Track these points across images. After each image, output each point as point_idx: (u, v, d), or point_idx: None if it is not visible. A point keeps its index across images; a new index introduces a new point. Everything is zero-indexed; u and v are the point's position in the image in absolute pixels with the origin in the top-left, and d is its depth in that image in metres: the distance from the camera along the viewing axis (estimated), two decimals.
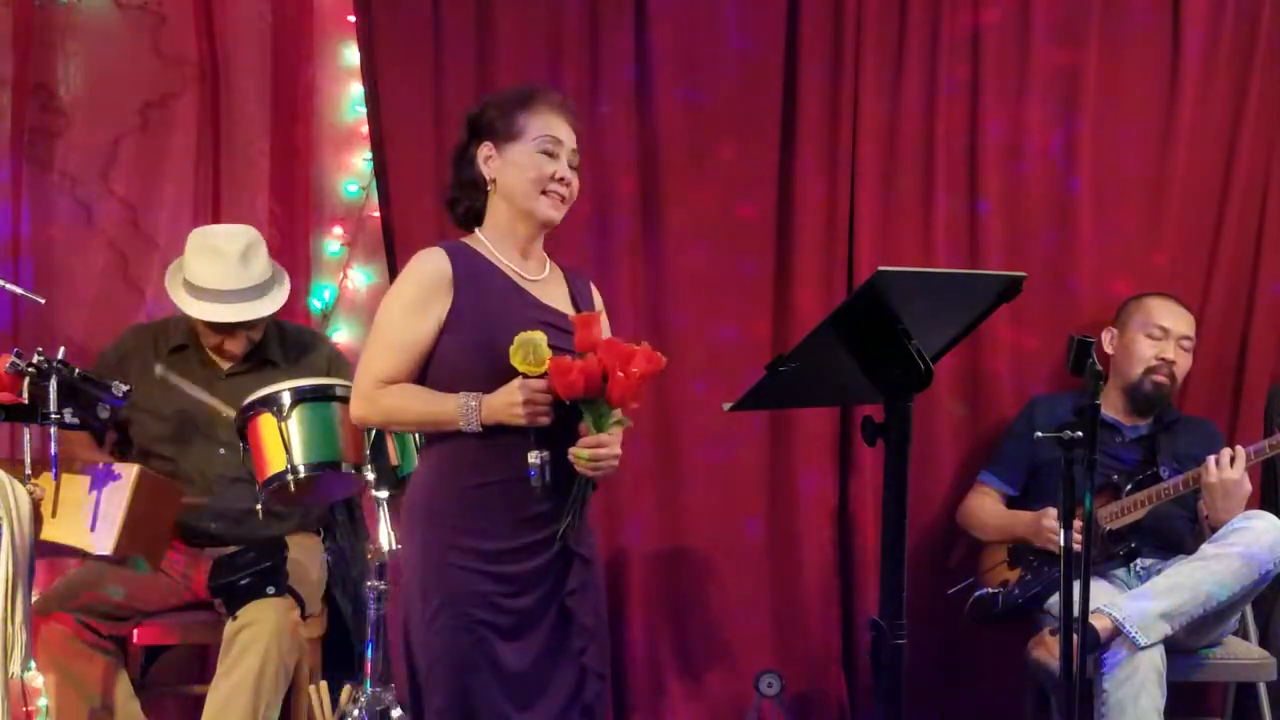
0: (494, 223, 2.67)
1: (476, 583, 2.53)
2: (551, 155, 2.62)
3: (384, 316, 2.60)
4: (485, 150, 2.65)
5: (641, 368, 2.50)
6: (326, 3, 3.93)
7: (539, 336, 2.48)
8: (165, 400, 3.40)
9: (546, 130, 2.62)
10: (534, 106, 2.64)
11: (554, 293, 2.70)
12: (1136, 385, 3.66)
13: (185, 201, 3.87)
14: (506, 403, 2.48)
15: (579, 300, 2.74)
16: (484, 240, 2.67)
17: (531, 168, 2.61)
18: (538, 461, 2.49)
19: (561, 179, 2.62)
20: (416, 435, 3.12)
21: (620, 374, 2.47)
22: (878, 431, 2.29)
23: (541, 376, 2.48)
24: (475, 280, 2.59)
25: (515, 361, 2.47)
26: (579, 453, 2.50)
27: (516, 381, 2.48)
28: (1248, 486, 3.40)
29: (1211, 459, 3.37)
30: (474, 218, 2.70)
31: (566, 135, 2.65)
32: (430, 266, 2.59)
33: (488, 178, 2.65)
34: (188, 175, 3.88)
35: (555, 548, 2.56)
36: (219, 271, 3.32)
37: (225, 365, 3.45)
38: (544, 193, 2.62)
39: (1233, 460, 3.36)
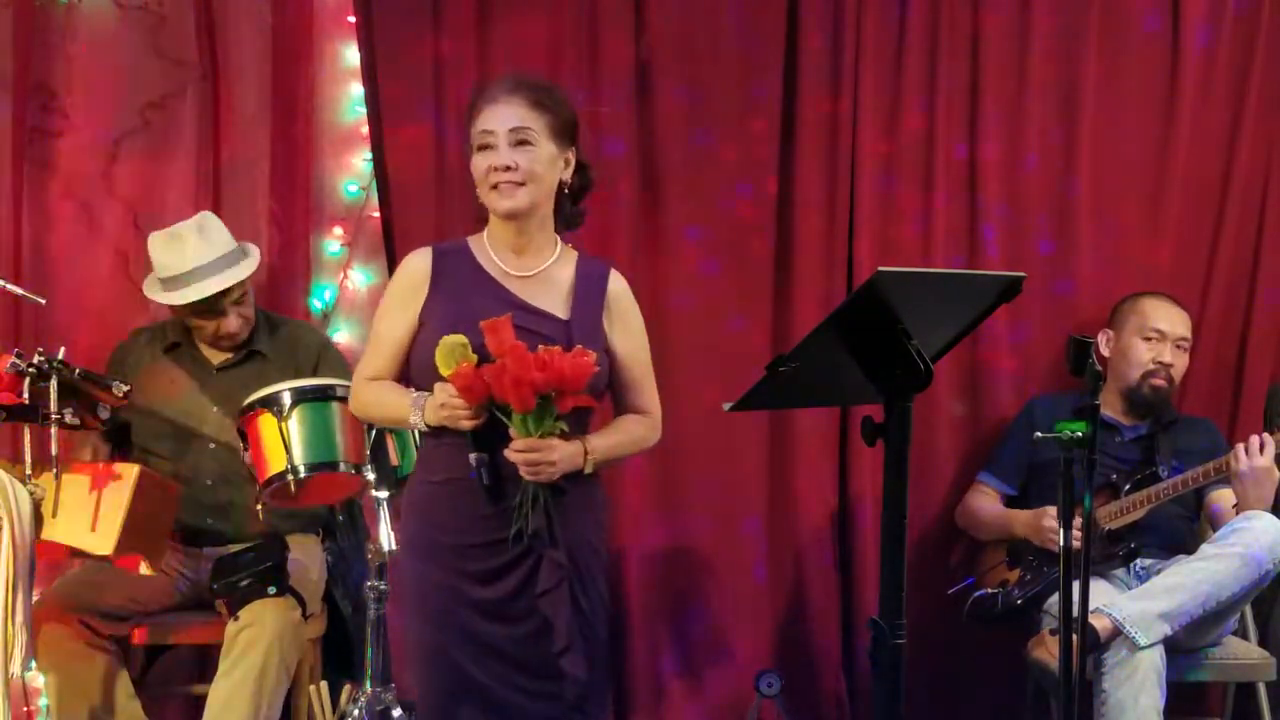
0: (490, 224, 2.72)
1: (443, 575, 2.60)
2: (486, 148, 2.61)
3: (376, 314, 2.73)
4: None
5: (538, 378, 2.44)
6: (326, 3, 3.93)
7: (459, 340, 2.49)
8: (163, 400, 3.41)
9: (478, 128, 2.63)
10: (476, 108, 2.65)
11: (545, 289, 2.68)
12: (1135, 389, 3.66)
13: (185, 202, 3.86)
14: (433, 405, 2.54)
15: (580, 297, 2.69)
16: (484, 240, 2.72)
17: (476, 171, 2.64)
18: (474, 462, 2.53)
19: (496, 167, 2.60)
20: (416, 435, 3.13)
21: (509, 384, 2.44)
22: (878, 431, 2.29)
23: None
24: (453, 279, 2.65)
25: (438, 364, 2.50)
26: (511, 455, 2.51)
27: (439, 384, 2.53)
28: (1277, 474, 3.38)
29: (1240, 447, 3.35)
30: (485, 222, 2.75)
31: (499, 120, 2.60)
32: (411, 266, 2.69)
33: (475, 191, 2.70)
34: (188, 175, 3.88)
35: (516, 548, 2.57)
36: (182, 252, 3.36)
37: (215, 360, 3.46)
38: (492, 188, 2.62)
39: (1262, 447, 3.34)
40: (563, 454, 2.54)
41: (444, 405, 2.50)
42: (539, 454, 2.50)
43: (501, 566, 2.58)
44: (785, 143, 3.93)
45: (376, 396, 2.67)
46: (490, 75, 3.84)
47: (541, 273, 2.69)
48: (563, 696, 2.61)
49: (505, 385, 2.44)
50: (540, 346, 2.49)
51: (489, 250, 2.69)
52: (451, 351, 2.49)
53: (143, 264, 3.88)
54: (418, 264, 2.68)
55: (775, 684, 3.73)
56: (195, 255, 3.36)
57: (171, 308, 3.43)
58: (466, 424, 2.51)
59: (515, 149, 2.59)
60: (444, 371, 2.50)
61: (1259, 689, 3.49)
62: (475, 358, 2.48)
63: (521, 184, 2.60)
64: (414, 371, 2.65)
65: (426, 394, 2.56)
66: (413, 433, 3.13)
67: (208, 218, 3.46)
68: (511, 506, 2.55)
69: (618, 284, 2.76)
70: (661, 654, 3.93)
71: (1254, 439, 3.35)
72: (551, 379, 2.46)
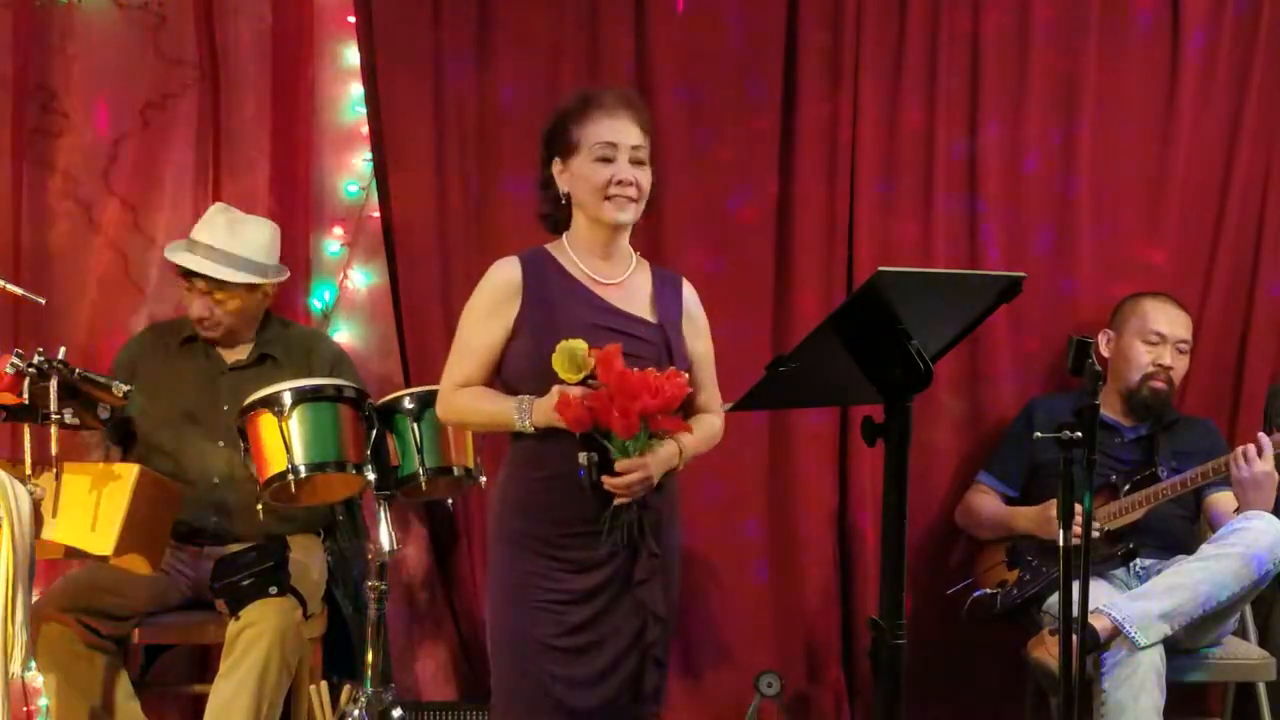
0: (575, 230, 2.78)
1: (540, 565, 2.66)
2: (608, 160, 2.69)
3: (461, 324, 2.77)
4: (557, 167, 2.76)
5: (646, 404, 2.52)
6: (326, 3, 3.93)
7: (577, 344, 2.56)
8: (168, 400, 3.41)
9: (599, 137, 2.70)
10: (587, 114, 2.72)
11: (632, 295, 2.77)
12: (1134, 391, 3.65)
13: (185, 202, 3.87)
14: (548, 407, 2.59)
15: (660, 303, 2.79)
16: (566, 246, 2.77)
17: (591, 177, 2.69)
18: (585, 462, 2.59)
19: (620, 181, 2.68)
20: (419, 437, 3.12)
21: (617, 414, 2.51)
22: (878, 431, 2.29)
23: (581, 383, 2.56)
24: (544, 287, 2.71)
25: (556, 368, 2.56)
26: (612, 484, 2.58)
27: (556, 388, 2.58)
28: (1277, 477, 3.37)
29: (1240, 451, 3.35)
30: (562, 227, 2.80)
31: (622, 135, 2.70)
32: (501, 275, 2.74)
33: (563, 191, 2.75)
34: (188, 176, 3.89)
35: (614, 542, 2.65)
36: (205, 227, 3.45)
37: (229, 359, 3.48)
38: (607, 198, 2.69)
39: (1261, 451, 3.34)
40: (659, 461, 2.62)
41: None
42: (638, 475, 2.58)
43: (601, 556, 2.66)
44: (785, 143, 3.93)
45: (473, 403, 2.71)
46: (491, 76, 3.86)
47: (627, 280, 2.78)
48: (644, 683, 2.71)
49: (612, 419, 2.52)
50: (651, 369, 2.58)
51: (574, 258, 2.75)
52: (573, 356, 2.55)
53: (142, 264, 3.91)
54: (509, 273, 2.72)
55: (775, 684, 3.73)
56: (208, 233, 3.43)
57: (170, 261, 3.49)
58: (585, 426, 2.56)
59: (634, 166, 2.70)
60: (563, 375, 2.56)
61: (1259, 689, 3.48)
62: (593, 363, 2.55)
63: (635, 200, 2.71)
64: (511, 377, 2.71)
65: (531, 397, 2.62)
66: (414, 431, 3.13)
67: (257, 223, 3.51)
68: (608, 504, 2.61)
69: (690, 291, 2.89)
70: None
71: (1252, 445, 3.35)
72: (662, 404, 2.54)
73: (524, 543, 2.68)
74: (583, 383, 2.56)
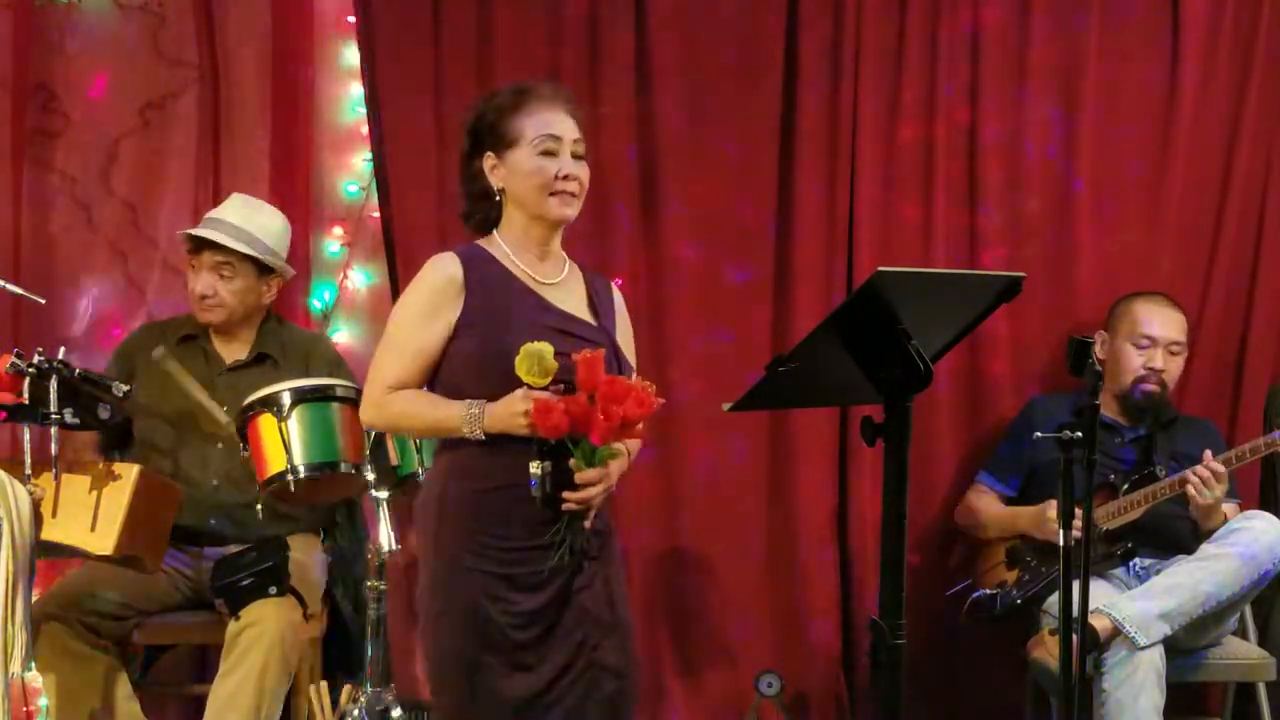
0: (509, 227, 2.66)
1: (486, 584, 2.54)
2: (552, 154, 2.59)
3: (395, 322, 2.62)
4: (489, 161, 2.64)
5: (630, 412, 2.44)
6: (326, 3, 3.94)
7: (545, 348, 2.45)
8: (167, 398, 3.41)
9: (542, 130, 2.60)
10: (527, 106, 2.62)
11: (569, 296, 2.68)
12: (1128, 394, 3.65)
13: (185, 201, 3.87)
14: (509, 412, 2.47)
15: (596, 302, 2.71)
16: (500, 244, 2.66)
17: (535, 173, 2.59)
18: (538, 472, 2.49)
19: (566, 176, 2.59)
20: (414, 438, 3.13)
21: (601, 418, 2.43)
22: (878, 431, 2.29)
23: (546, 388, 2.46)
24: (487, 285, 2.59)
25: (520, 372, 2.45)
26: (575, 497, 2.50)
27: (520, 392, 2.47)
28: (1221, 506, 3.42)
29: (1195, 481, 3.35)
30: (490, 224, 2.69)
31: (564, 128, 2.61)
32: (442, 272, 2.59)
33: (496, 187, 2.64)
34: (188, 175, 3.89)
35: (562, 559, 2.55)
36: (221, 208, 3.49)
37: (228, 359, 3.47)
38: (552, 194, 2.59)
39: (1217, 477, 3.35)
40: (617, 470, 2.57)
41: (529, 413, 2.45)
42: (601, 486, 2.51)
43: (550, 572, 2.55)
44: (785, 143, 3.92)
45: (412, 407, 2.57)
46: (490, 75, 3.85)
47: (564, 280, 2.69)
48: (600, 689, 2.59)
49: (595, 420, 2.44)
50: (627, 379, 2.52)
51: (510, 255, 2.64)
52: (541, 360, 2.44)
53: (142, 264, 3.92)
54: (449, 269, 2.58)
55: (775, 684, 3.73)
56: (235, 213, 3.45)
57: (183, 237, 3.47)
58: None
59: (576, 161, 2.61)
60: (528, 380, 2.44)
61: (1259, 689, 3.49)
62: (556, 365, 2.45)
63: (576, 195, 2.62)
64: (455, 379, 2.57)
65: (482, 401, 2.50)
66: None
67: (280, 218, 3.53)
68: (558, 514, 2.52)
69: (619, 293, 2.80)
70: (661, 654, 3.93)
71: (1208, 473, 3.35)
72: (643, 414, 2.47)
73: (471, 564, 2.54)
74: (546, 388, 2.46)
